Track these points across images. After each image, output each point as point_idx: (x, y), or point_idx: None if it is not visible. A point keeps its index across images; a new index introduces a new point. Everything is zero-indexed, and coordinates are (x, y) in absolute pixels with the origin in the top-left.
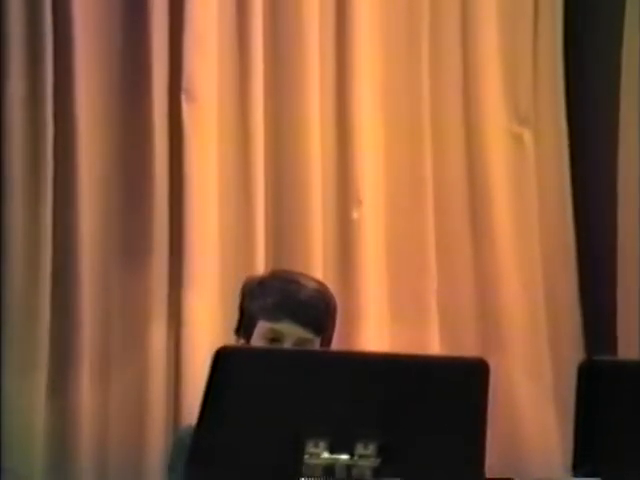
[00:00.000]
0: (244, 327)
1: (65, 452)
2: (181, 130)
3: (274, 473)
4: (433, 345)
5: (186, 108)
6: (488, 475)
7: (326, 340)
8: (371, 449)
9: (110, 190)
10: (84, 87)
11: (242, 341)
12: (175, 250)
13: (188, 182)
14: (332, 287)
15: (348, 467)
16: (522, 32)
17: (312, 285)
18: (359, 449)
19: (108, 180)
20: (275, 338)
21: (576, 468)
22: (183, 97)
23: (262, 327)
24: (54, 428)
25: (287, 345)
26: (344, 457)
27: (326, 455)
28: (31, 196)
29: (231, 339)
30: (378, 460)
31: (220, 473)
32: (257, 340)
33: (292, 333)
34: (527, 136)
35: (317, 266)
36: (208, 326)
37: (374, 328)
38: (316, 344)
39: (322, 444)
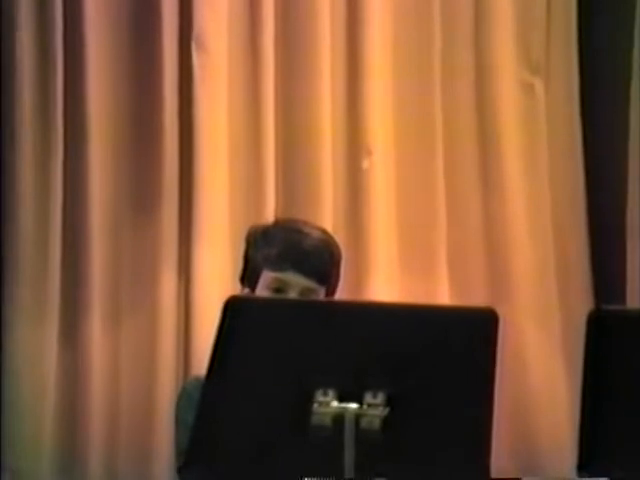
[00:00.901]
0: (248, 276)
1: (76, 402)
2: (191, 80)
3: (283, 422)
4: (442, 296)
5: (196, 58)
6: (495, 425)
7: (331, 289)
8: (380, 398)
9: (120, 143)
10: (94, 36)
11: (247, 290)
12: (185, 201)
13: (198, 133)
14: (341, 238)
15: (357, 416)
16: None
17: (316, 234)
18: (368, 398)
19: (118, 132)
20: (280, 288)
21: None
22: (193, 47)
23: (266, 277)
24: (65, 379)
25: (292, 294)
26: (353, 406)
27: (335, 404)
28: (41, 149)
29: (240, 287)
30: (387, 409)
31: (229, 423)
32: (262, 289)
33: (296, 283)
34: (538, 85)
35: (327, 217)
36: (218, 277)
37: (383, 279)
38: (321, 293)
39: (331, 393)
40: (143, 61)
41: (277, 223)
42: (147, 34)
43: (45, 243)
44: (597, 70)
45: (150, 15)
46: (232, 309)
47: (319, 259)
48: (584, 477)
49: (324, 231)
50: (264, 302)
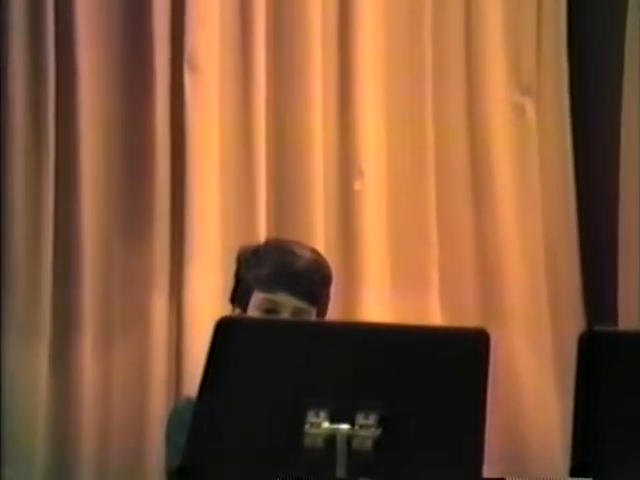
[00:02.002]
0: (240, 296)
1: (67, 422)
2: (183, 100)
3: (275, 443)
4: (434, 315)
5: (188, 78)
6: (487, 447)
7: (322, 310)
8: (372, 419)
9: (112, 163)
10: (86, 56)
11: (238, 310)
12: (177, 221)
13: (190, 153)
14: (333, 257)
15: (349, 437)
16: (526, 2)
17: (307, 255)
18: (360, 419)
19: (110, 152)
20: (271, 309)
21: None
22: (185, 67)
23: (258, 298)
24: (56, 399)
25: (283, 315)
26: (345, 427)
27: (327, 425)
28: (33, 170)
29: (230, 307)
30: (379, 430)
31: (221, 443)
32: (253, 310)
33: (288, 304)
34: (529, 106)
35: (319, 237)
36: (209, 298)
37: (375, 298)
38: (312, 314)
39: (323, 414)
40: (135, 81)
41: (268, 243)
42: (139, 54)
43: (36, 264)
44: (588, 91)
45: (142, 35)
46: (223, 329)
47: (310, 280)
48: None
49: (315, 251)
50: (255, 322)
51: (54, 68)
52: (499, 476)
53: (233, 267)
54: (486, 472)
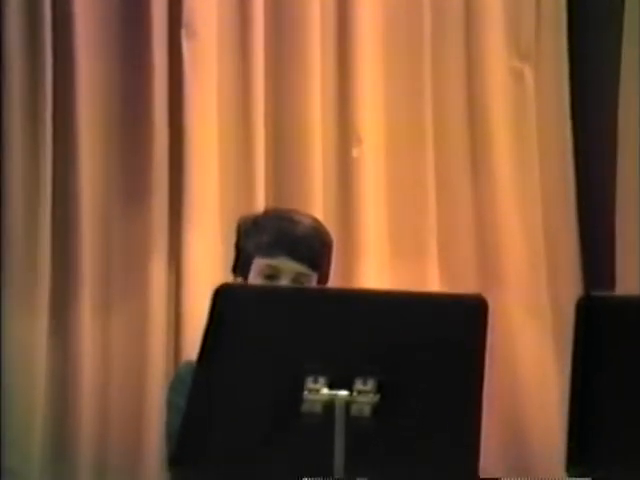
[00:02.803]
0: (241, 265)
1: (67, 391)
2: (181, 68)
3: (274, 409)
4: (433, 282)
5: (186, 45)
6: (485, 412)
7: (323, 276)
8: (370, 385)
9: (109, 132)
10: (83, 24)
11: (239, 279)
12: (175, 187)
13: (188, 120)
14: (332, 225)
15: (347, 403)
16: None
17: (307, 221)
18: (358, 385)
19: (107, 121)
20: (272, 274)
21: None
22: (183, 33)
23: (258, 264)
24: (56, 367)
25: (284, 281)
26: (343, 393)
27: (325, 391)
28: (30, 140)
29: (231, 276)
30: (377, 396)
31: (220, 410)
32: (254, 277)
33: (289, 269)
34: (527, 72)
35: (317, 204)
36: (208, 264)
37: (374, 265)
38: (313, 279)
39: (321, 380)
40: (132, 49)
41: (267, 212)
42: (136, 21)
43: (35, 233)
44: (587, 57)
45: (139, 2)
46: (222, 297)
47: (310, 245)
48: (573, 477)
49: (315, 219)
50: (254, 289)
51: (50, 37)
52: (497, 443)
53: (232, 234)
54: (483, 440)
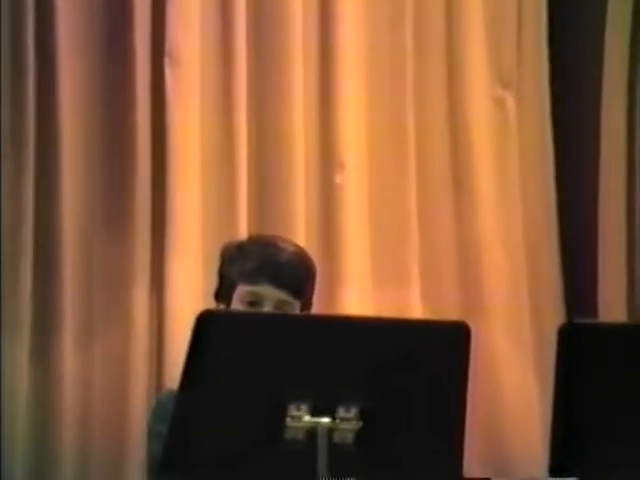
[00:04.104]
0: (223, 292)
1: (48, 418)
2: (164, 94)
3: (256, 436)
4: (415, 310)
5: (169, 72)
6: (468, 440)
7: (306, 304)
8: (353, 412)
9: (92, 157)
10: (66, 49)
11: (222, 306)
12: (157, 217)
13: (171, 148)
14: (314, 252)
15: (330, 430)
16: None
17: (291, 248)
18: (341, 412)
19: (90, 146)
20: (254, 301)
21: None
22: (166, 61)
23: (241, 291)
24: (37, 394)
25: (266, 308)
26: (326, 420)
27: (308, 418)
28: (12, 165)
29: (214, 304)
30: (360, 423)
31: (202, 436)
32: (236, 304)
33: (271, 296)
34: (509, 100)
35: (300, 230)
36: (190, 291)
37: (356, 292)
38: (296, 307)
39: (304, 407)
40: (116, 75)
41: (252, 239)
42: (120, 48)
43: (16, 259)
44: (568, 84)
45: (123, 29)
46: (204, 323)
47: (294, 272)
48: None
49: (299, 246)
50: (236, 316)
51: (34, 63)
52: (480, 469)
53: (214, 262)
54: (466, 466)
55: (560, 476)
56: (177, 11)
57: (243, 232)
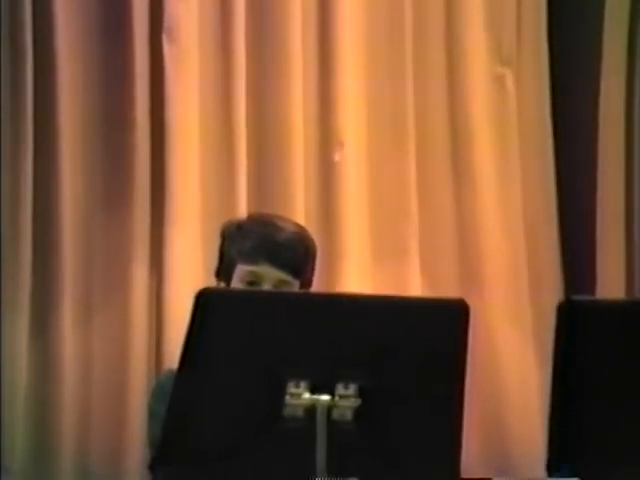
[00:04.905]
0: (224, 271)
1: (47, 394)
2: (162, 73)
3: (256, 413)
4: (414, 287)
5: (167, 50)
6: (466, 418)
7: (306, 283)
8: (352, 390)
9: (91, 138)
10: (64, 27)
11: (222, 284)
12: (157, 192)
13: (169, 128)
14: (314, 229)
15: (329, 407)
16: None
17: (291, 228)
18: (340, 389)
19: (89, 127)
20: (253, 281)
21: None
22: (164, 39)
23: (241, 270)
24: (36, 370)
25: (265, 287)
26: (325, 398)
27: (307, 395)
28: (11, 145)
29: (213, 283)
30: (358, 400)
31: (201, 414)
32: (236, 283)
33: (270, 276)
34: (509, 77)
35: (299, 208)
36: (190, 268)
37: (356, 270)
38: (295, 287)
39: (303, 385)
40: (114, 54)
41: (251, 218)
42: (118, 27)
43: (16, 238)
44: (567, 62)
45: (121, 7)
46: (203, 302)
47: (293, 252)
48: (553, 477)
49: (299, 225)
50: (235, 294)
51: (32, 43)
52: (478, 445)
53: (214, 240)
54: (465, 442)
55: (557, 475)
56: None
57: (242, 210)
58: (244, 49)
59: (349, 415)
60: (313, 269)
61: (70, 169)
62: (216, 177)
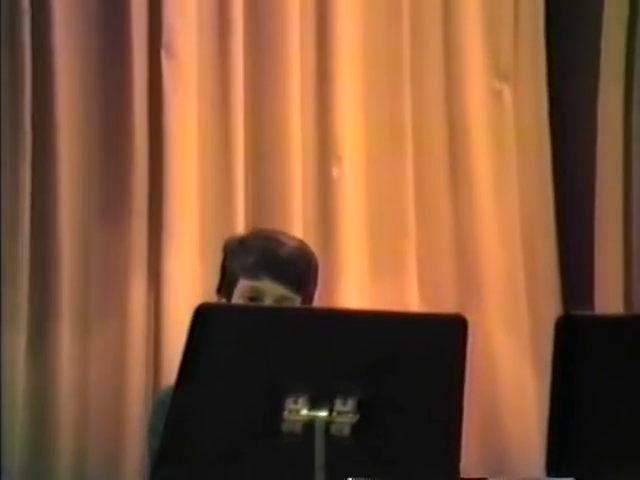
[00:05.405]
0: (225, 286)
1: (45, 409)
2: (161, 88)
3: (254, 429)
4: (412, 302)
5: (166, 65)
6: (465, 432)
7: (308, 298)
8: (350, 405)
9: (89, 151)
10: (62, 43)
11: (223, 300)
12: (155, 208)
13: (168, 141)
14: (312, 244)
15: (327, 423)
16: None
17: (293, 243)
18: (338, 405)
19: (87, 140)
20: (255, 297)
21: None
22: (163, 54)
23: (243, 286)
24: (34, 386)
25: (267, 303)
26: (323, 414)
27: (305, 411)
28: (10, 158)
29: (211, 297)
30: (357, 416)
31: (199, 430)
32: (238, 299)
33: (272, 291)
34: (507, 93)
35: (296, 223)
36: (188, 284)
37: (354, 285)
38: (296, 302)
39: (301, 400)
40: (112, 68)
41: (254, 233)
42: (116, 41)
43: (14, 251)
44: (565, 77)
45: (119, 22)
46: (202, 316)
47: (295, 267)
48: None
49: (301, 241)
50: (234, 309)
51: (31, 57)
52: (476, 461)
53: (211, 255)
54: (463, 458)
55: (557, 475)
56: (174, 3)
57: (240, 225)
58: (242, 64)
59: (347, 431)
60: (315, 284)
61: (68, 183)
62: (214, 191)
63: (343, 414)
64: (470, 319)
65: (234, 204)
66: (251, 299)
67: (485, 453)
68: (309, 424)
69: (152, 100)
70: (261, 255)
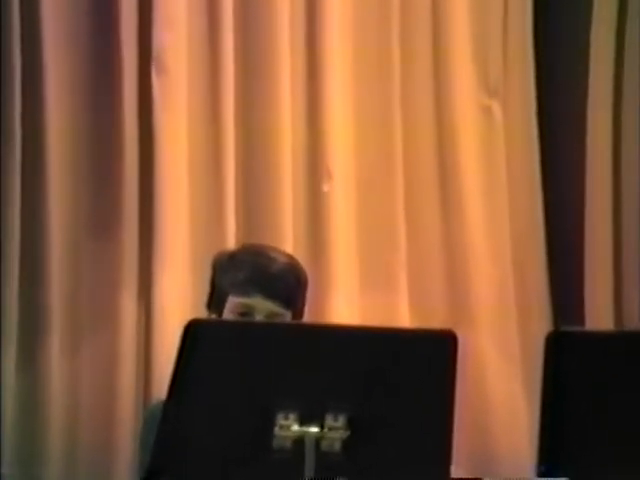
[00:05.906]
0: (215, 302)
1: (34, 423)
2: (151, 102)
3: (244, 445)
4: (403, 317)
5: (156, 79)
6: (455, 448)
7: (297, 314)
8: (341, 421)
9: (79, 165)
10: (52, 56)
11: (214, 316)
12: (145, 222)
13: (158, 154)
14: (302, 260)
15: (317, 439)
16: (493, 4)
17: (282, 259)
18: (329, 421)
19: (77, 154)
20: (245, 313)
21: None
22: (153, 68)
23: (233, 302)
24: (23, 400)
25: (258, 319)
26: (313, 429)
27: (296, 427)
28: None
29: (201, 312)
30: (347, 432)
31: (189, 446)
32: (228, 315)
33: (262, 307)
34: (496, 108)
35: (287, 239)
36: (178, 299)
37: (344, 300)
38: (287, 318)
39: (292, 416)
40: (103, 83)
41: (244, 248)
42: (106, 56)
43: (3, 263)
44: (554, 92)
45: (109, 36)
46: (192, 332)
47: (285, 283)
48: None
49: (291, 256)
50: (224, 325)
51: (20, 69)
52: (467, 477)
53: (202, 269)
54: (454, 473)
55: None
56: (163, 17)
57: (231, 239)
58: (232, 79)
59: (338, 446)
60: (305, 299)
61: (58, 196)
62: (205, 206)
63: (334, 430)
64: (460, 334)
65: (225, 217)
66: (242, 315)
67: (476, 468)
68: (300, 440)
69: (142, 114)
70: (251, 272)
